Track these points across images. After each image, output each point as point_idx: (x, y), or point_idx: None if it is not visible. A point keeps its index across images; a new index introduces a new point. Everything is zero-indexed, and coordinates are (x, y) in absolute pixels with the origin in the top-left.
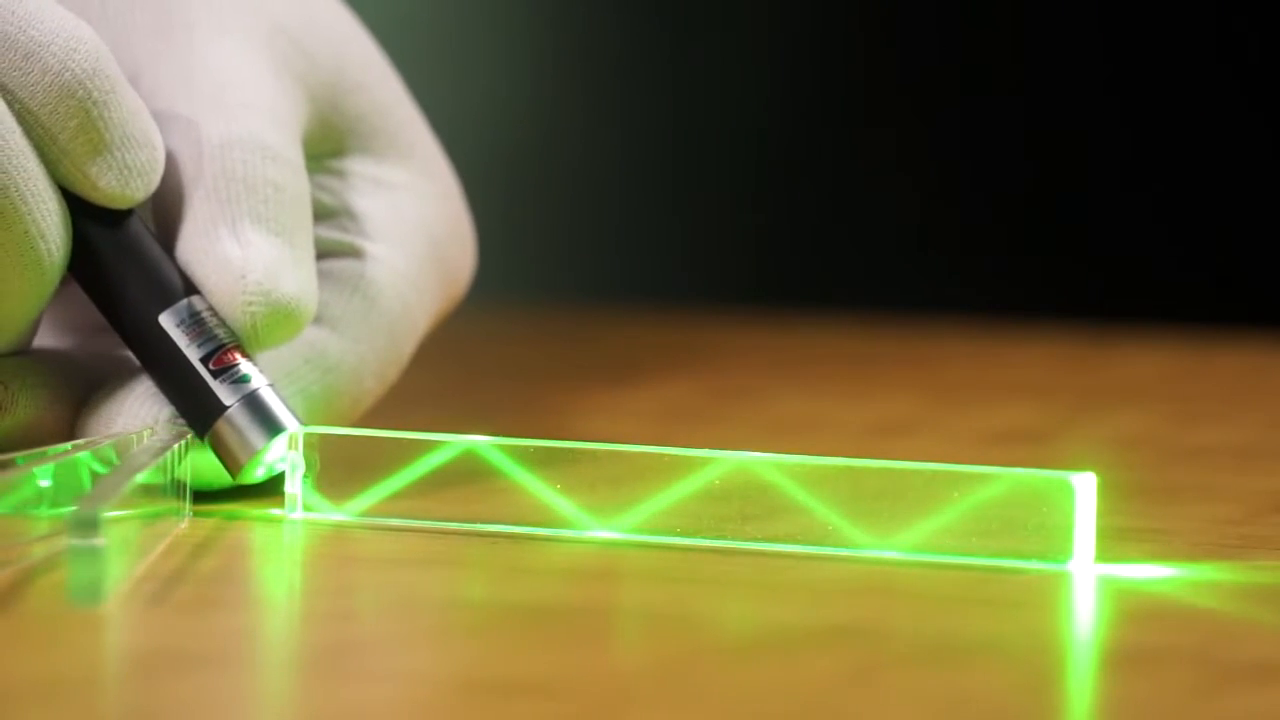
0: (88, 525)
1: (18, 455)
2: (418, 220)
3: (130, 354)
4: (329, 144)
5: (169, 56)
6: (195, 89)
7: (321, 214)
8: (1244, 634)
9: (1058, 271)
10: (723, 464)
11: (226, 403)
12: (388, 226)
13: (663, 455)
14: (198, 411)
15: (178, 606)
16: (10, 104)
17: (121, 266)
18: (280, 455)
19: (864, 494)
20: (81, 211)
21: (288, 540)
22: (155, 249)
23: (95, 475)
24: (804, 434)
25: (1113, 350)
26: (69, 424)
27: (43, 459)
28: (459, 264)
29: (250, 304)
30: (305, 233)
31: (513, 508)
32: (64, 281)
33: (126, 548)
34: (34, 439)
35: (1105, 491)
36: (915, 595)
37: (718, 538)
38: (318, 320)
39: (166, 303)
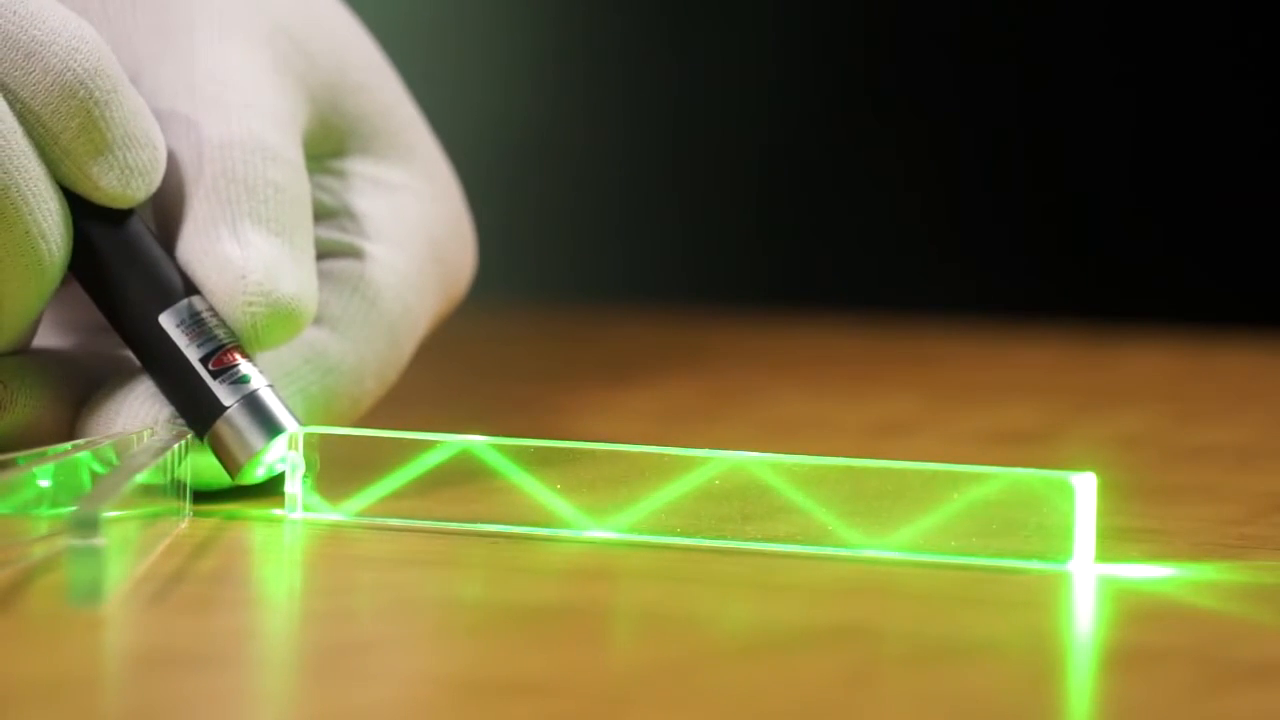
0: (88, 525)
1: (18, 455)
2: (418, 221)
3: (130, 354)
4: (329, 144)
5: (170, 56)
6: (196, 89)
7: (322, 214)
8: (1244, 634)
9: (1058, 271)
10: (723, 464)
11: (226, 403)
12: (388, 227)
13: (662, 455)
14: (197, 412)
15: (178, 606)
16: (12, 104)
17: (122, 266)
18: (280, 456)
19: (864, 494)
20: (82, 211)
21: (288, 540)
22: (156, 249)
23: (95, 475)
24: (804, 434)
25: (1113, 350)
26: (68, 424)
27: (43, 459)
28: (459, 265)
29: (250, 304)
30: (305, 233)
31: (512, 508)
32: (64, 281)
33: (126, 548)
34: (33, 438)
35: (1105, 491)
36: (915, 595)
37: (718, 538)
38: (318, 321)
39: (167, 303)
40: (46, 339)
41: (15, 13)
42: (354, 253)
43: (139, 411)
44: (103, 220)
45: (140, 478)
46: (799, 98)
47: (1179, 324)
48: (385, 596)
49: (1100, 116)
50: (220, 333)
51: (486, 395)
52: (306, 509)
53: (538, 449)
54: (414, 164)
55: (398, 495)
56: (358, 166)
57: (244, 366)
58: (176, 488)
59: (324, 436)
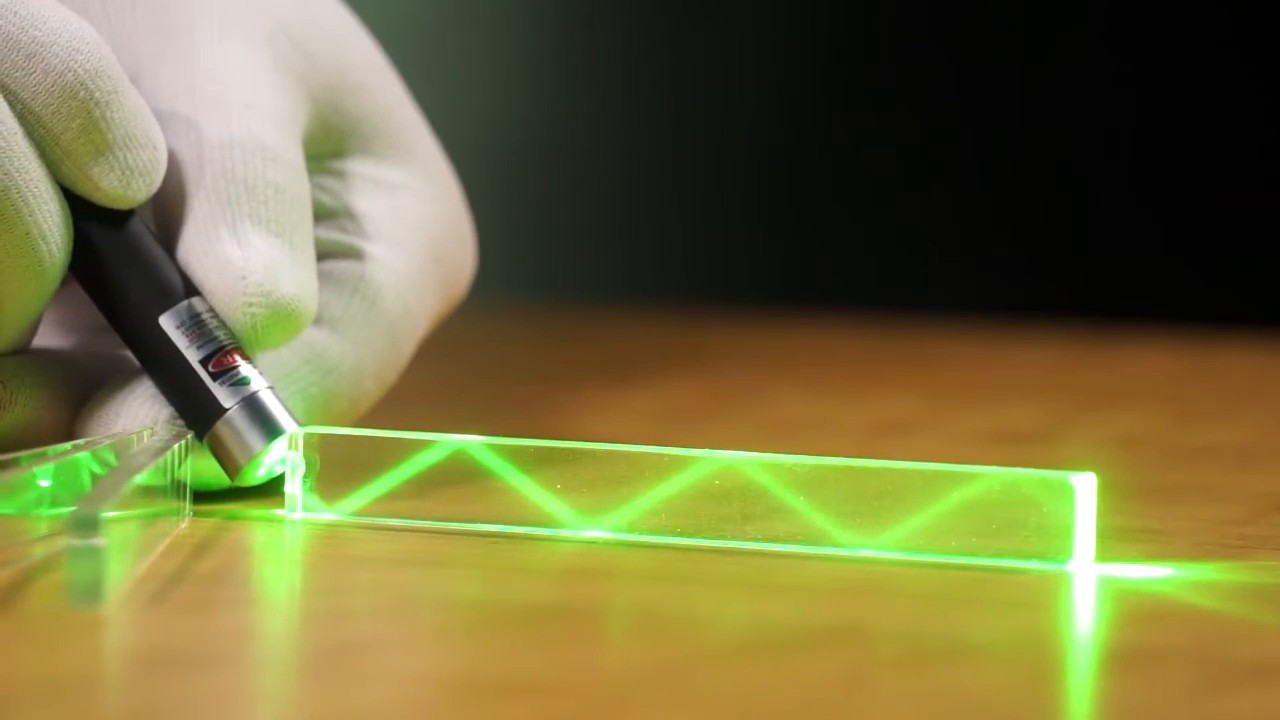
0: (88, 525)
1: (18, 455)
2: (418, 221)
3: (130, 354)
4: (329, 145)
5: (170, 57)
6: (196, 89)
7: (322, 215)
8: (1244, 634)
9: (1058, 271)
10: (722, 464)
11: (226, 405)
12: (388, 228)
13: (662, 455)
14: (197, 413)
15: (178, 606)
16: (12, 104)
17: (122, 267)
18: (279, 457)
19: (864, 494)
20: (83, 212)
21: (288, 540)
22: (156, 250)
23: (95, 476)
24: (804, 434)
25: (1113, 350)
26: (68, 424)
27: (43, 459)
28: (459, 265)
29: (250, 305)
30: (305, 234)
31: (512, 508)
32: (65, 281)
33: (126, 548)
34: (33, 438)
35: (1105, 491)
36: (914, 595)
37: (717, 538)
38: (317, 321)
39: (167, 304)
40: (46, 339)
41: (16, 13)
42: (354, 253)
43: (139, 412)
44: (103, 221)
45: (140, 478)
46: (799, 98)
47: (1179, 324)
48: (384, 596)
49: (1100, 116)
50: (220, 334)
51: (486, 395)
52: (306, 509)
53: (538, 449)
54: (414, 164)
55: (397, 495)
56: (358, 167)
57: (244, 368)
58: (176, 488)
59: (324, 437)
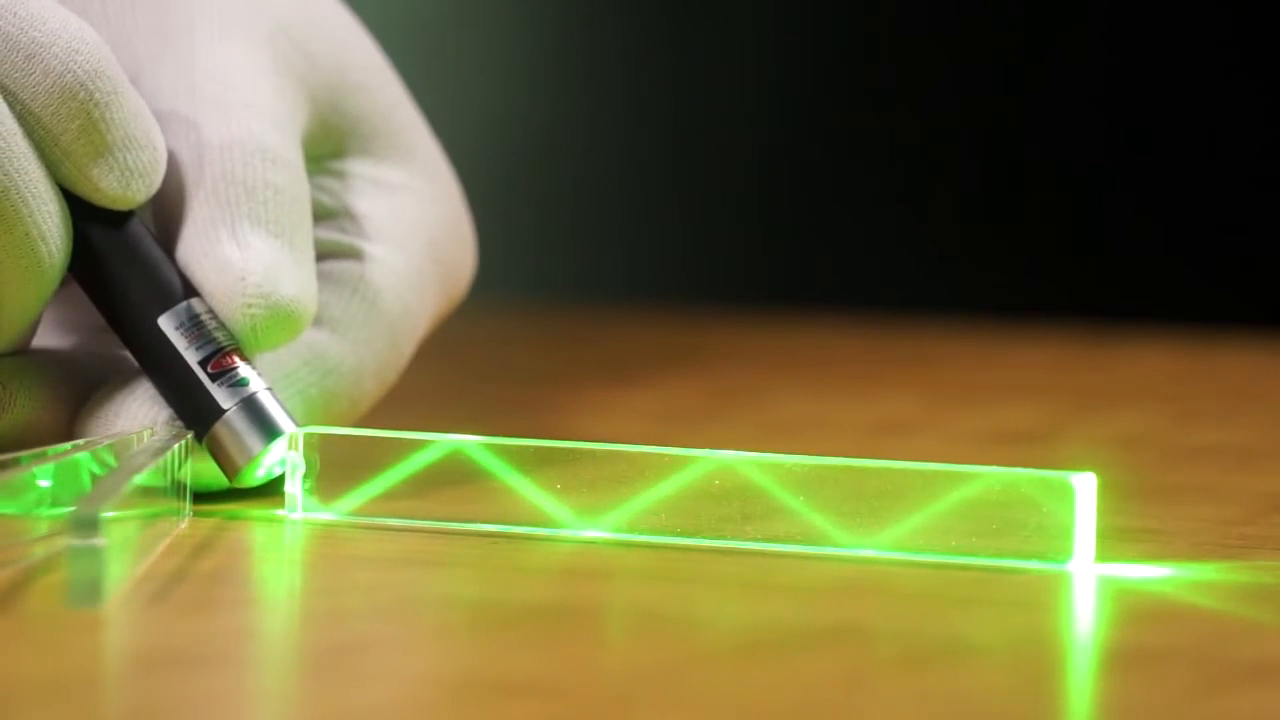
0: (88, 525)
1: (19, 455)
2: (418, 221)
3: (130, 355)
4: (329, 145)
5: (170, 57)
6: (196, 90)
7: (321, 215)
8: (1244, 634)
9: (1058, 271)
10: (722, 464)
11: (224, 406)
12: (388, 228)
13: (662, 455)
14: (196, 414)
15: (178, 606)
16: (12, 105)
17: (122, 268)
18: (278, 458)
19: (864, 494)
20: (82, 213)
21: (288, 540)
22: (156, 251)
23: (95, 476)
24: (804, 434)
25: (1113, 350)
26: (67, 424)
27: (43, 459)
28: (459, 265)
29: (249, 306)
30: (305, 235)
31: (512, 508)
32: (64, 282)
33: (126, 548)
34: (32, 439)
35: (1105, 491)
36: (914, 595)
37: (717, 538)
38: (317, 322)
39: (166, 305)
40: (46, 339)
41: (15, 14)
42: (354, 254)
43: (138, 413)
44: (103, 222)
45: (140, 478)
46: (799, 98)
47: (1179, 324)
48: (384, 596)
49: (1100, 116)
50: (219, 335)
51: (486, 395)
52: (306, 509)
53: (537, 449)
54: (414, 164)
55: (397, 496)
56: (357, 167)
57: (243, 369)
58: (176, 488)
59: (323, 437)
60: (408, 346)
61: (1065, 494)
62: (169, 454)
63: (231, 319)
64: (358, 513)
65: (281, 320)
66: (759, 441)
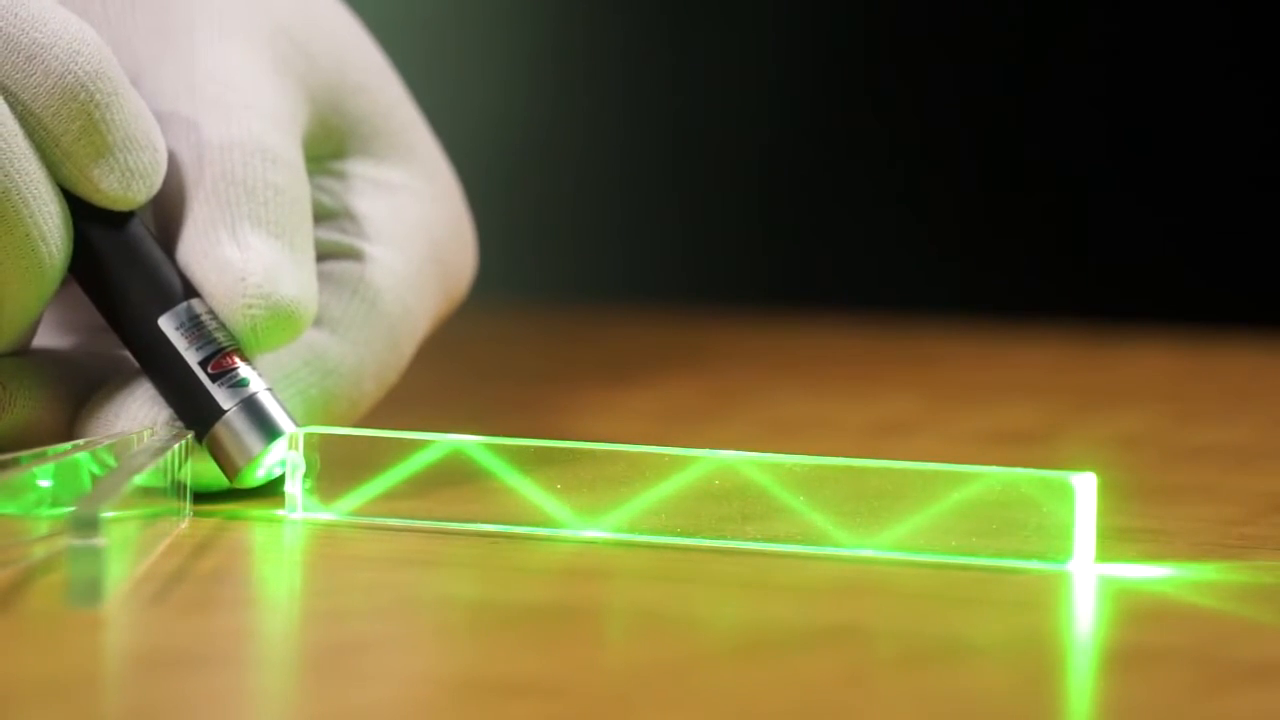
0: (88, 525)
1: (19, 455)
2: (418, 222)
3: (130, 355)
4: (330, 145)
5: (170, 58)
6: (196, 91)
7: (322, 216)
8: (1244, 634)
9: (1058, 271)
10: (722, 464)
11: (224, 406)
12: (388, 228)
13: (662, 455)
14: (196, 415)
15: (178, 606)
16: (13, 106)
17: (122, 269)
18: (278, 459)
19: (864, 494)
20: (83, 213)
21: (288, 540)
22: (156, 251)
23: (95, 476)
24: (804, 434)
25: (1113, 350)
26: (67, 425)
27: (43, 459)
28: (459, 266)
29: (250, 307)
30: (305, 235)
31: (512, 508)
32: (64, 282)
33: (126, 548)
34: (32, 439)
35: (1105, 491)
36: (914, 595)
37: (717, 538)
38: (317, 323)
39: (166, 305)
40: (46, 340)
41: (16, 15)
42: (354, 254)
43: (138, 413)
44: (103, 222)
45: (140, 478)
46: (799, 98)
47: (1179, 324)
48: (384, 596)
49: (1100, 116)
50: (220, 336)
51: (486, 395)
52: (306, 509)
53: (537, 449)
54: (414, 165)
55: (397, 496)
56: (358, 168)
57: (243, 370)
58: (176, 488)
59: (323, 437)
60: (408, 347)
61: (1065, 494)
62: (169, 454)
63: (232, 319)
64: (358, 513)
65: (282, 321)
66: (759, 441)
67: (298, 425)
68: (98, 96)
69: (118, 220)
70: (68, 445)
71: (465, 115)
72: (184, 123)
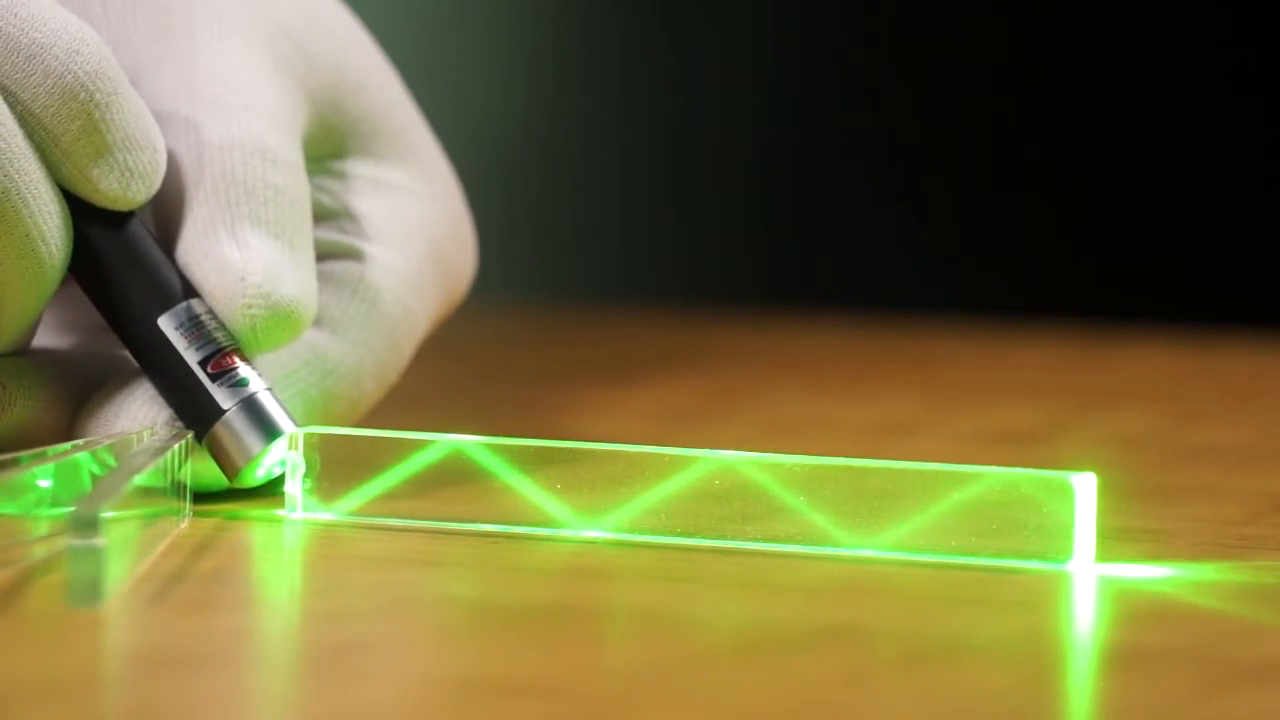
0: (88, 525)
1: (19, 455)
2: (418, 222)
3: (129, 355)
4: (330, 146)
5: (170, 58)
6: (196, 91)
7: (322, 216)
8: (1244, 634)
9: (1058, 271)
10: (722, 464)
11: (224, 406)
12: (388, 228)
13: (662, 455)
14: (195, 415)
15: (178, 606)
16: (12, 106)
17: (122, 269)
18: (278, 459)
19: (864, 494)
20: (82, 213)
21: (287, 540)
22: (155, 251)
23: (95, 476)
24: (804, 434)
25: (1113, 350)
26: (67, 425)
27: (43, 459)
28: (459, 266)
29: (249, 307)
30: (305, 235)
31: (512, 508)
32: (64, 282)
33: (126, 548)
34: (32, 439)
35: (1105, 491)
36: (914, 595)
37: (717, 538)
38: (317, 323)
39: (166, 305)
40: (46, 340)
41: (16, 15)
42: (354, 254)
43: (138, 413)
44: (102, 222)
45: (140, 478)
46: (799, 98)
47: (1179, 324)
48: (384, 596)
49: (1100, 116)
50: (219, 335)
51: (486, 395)
52: (306, 509)
53: (537, 449)
54: (414, 165)
55: (397, 496)
56: (358, 168)
57: (243, 370)
58: (176, 488)
59: (323, 437)
60: (408, 347)
61: (1065, 494)
62: (169, 454)
63: (231, 319)
64: (358, 513)
65: (281, 321)
66: (759, 441)
67: (297, 425)
68: (97, 96)
69: (117, 220)
70: (68, 445)
71: (465, 115)
72: (184, 123)
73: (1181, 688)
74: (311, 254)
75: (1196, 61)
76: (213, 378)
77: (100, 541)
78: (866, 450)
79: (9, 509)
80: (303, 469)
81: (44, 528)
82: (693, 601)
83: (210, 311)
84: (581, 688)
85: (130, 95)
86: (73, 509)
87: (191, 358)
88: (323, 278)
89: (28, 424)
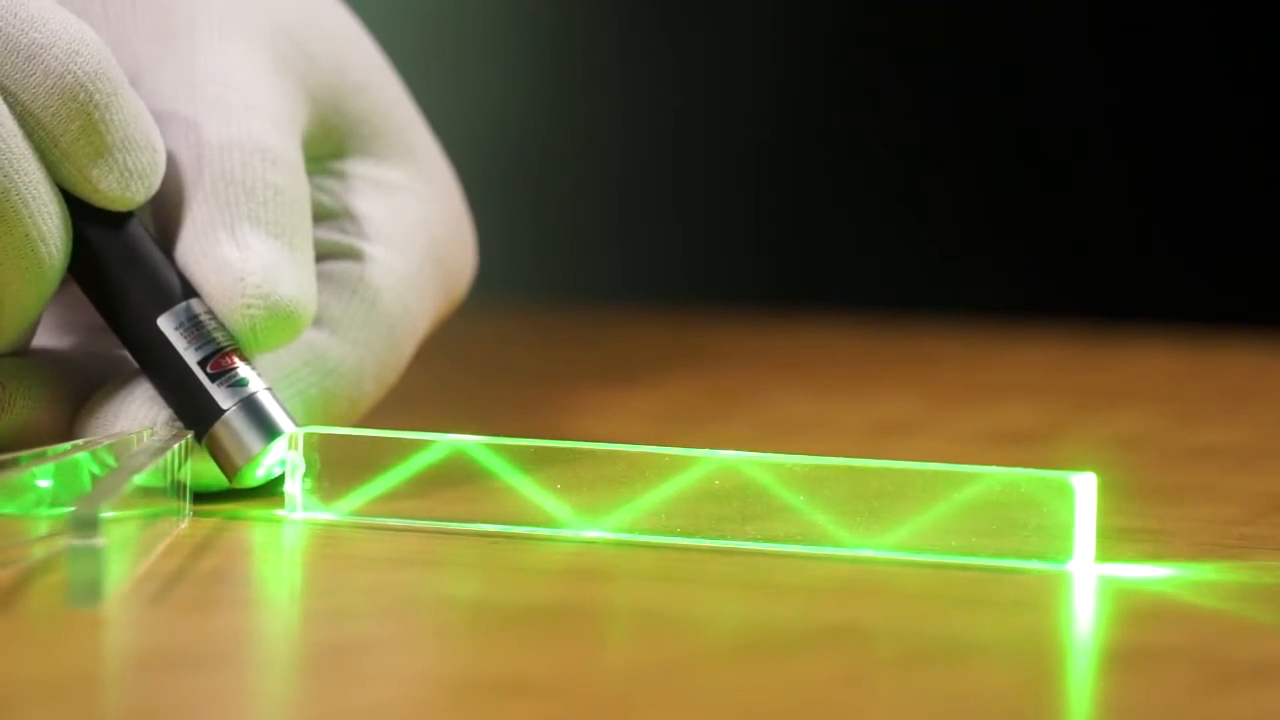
0: (88, 525)
1: (18, 455)
2: (418, 222)
3: (129, 355)
4: (329, 145)
5: (170, 58)
6: (196, 91)
7: (321, 216)
8: (1244, 634)
9: (1058, 271)
10: (722, 464)
11: (224, 406)
12: (388, 229)
13: (662, 455)
14: (195, 414)
15: (178, 606)
16: (12, 106)
17: (121, 269)
18: (278, 458)
19: (864, 494)
20: (81, 214)
21: (287, 540)
22: (155, 251)
23: (95, 476)
24: (804, 434)
25: (1113, 350)
26: (67, 425)
27: (43, 459)
28: (459, 266)
29: (248, 307)
30: (304, 235)
31: (512, 508)
32: (64, 283)
33: (126, 548)
34: (31, 440)
35: (1105, 491)
36: (914, 595)
37: (717, 538)
38: (317, 323)
39: (165, 305)
40: (45, 340)
41: (16, 15)
42: (354, 254)
43: (138, 414)
44: (102, 223)
45: (140, 478)
46: (799, 98)
47: (1179, 324)
48: (384, 597)
49: (1100, 116)
50: (219, 335)
51: (486, 395)
52: (306, 509)
53: (537, 449)
54: (414, 165)
55: (397, 496)
56: (358, 168)
57: (242, 369)
58: (176, 488)
59: (323, 437)
60: (408, 347)
61: (1065, 494)
62: (169, 454)
63: (230, 319)
64: (358, 513)
65: (281, 321)
66: (759, 441)
67: (297, 425)
68: (97, 97)
69: (116, 220)
70: (67, 445)
71: (464, 115)
72: (184, 123)
73: (1181, 688)
74: (311, 254)
75: (1196, 61)
76: (212, 377)
77: (100, 541)
78: (866, 450)
79: (9, 509)
80: (302, 469)
81: (44, 528)
82: (693, 601)
83: (210, 311)
84: (581, 688)
85: (130, 96)
86: (73, 509)
87: (191, 358)
88: (322, 278)
89: (27, 424)
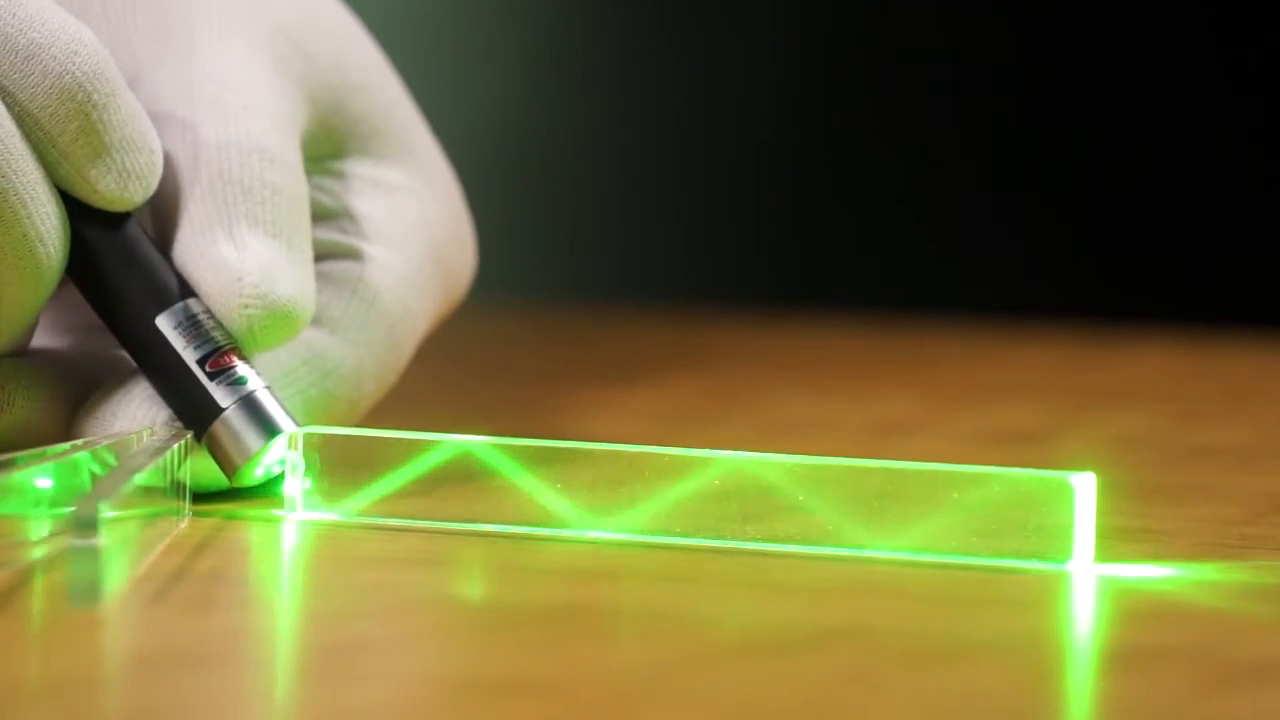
0: (88, 525)
1: (18, 455)
2: (418, 222)
3: (127, 355)
4: (329, 145)
5: (169, 58)
6: (195, 91)
7: (321, 216)
8: (1244, 634)
9: (1058, 271)
10: (723, 464)
11: (222, 405)
12: (387, 228)
13: (662, 455)
14: (194, 414)
15: (178, 606)
16: (10, 106)
17: (119, 269)
18: (277, 457)
19: (864, 494)
20: (80, 214)
21: (287, 540)
22: (153, 251)
23: (94, 476)
24: (804, 434)
25: (1113, 350)
26: (66, 425)
27: (42, 459)
28: (459, 266)
29: (247, 306)
30: (303, 235)
31: (512, 508)
32: (62, 283)
33: (126, 548)
34: (30, 440)
35: (1105, 491)
36: (915, 595)
37: (718, 538)
38: (316, 323)
39: (163, 305)
40: (44, 340)
41: (14, 15)
42: (353, 254)
43: (136, 414)
44: (100, 223)
45: (139, 478)
46: (799, 98)
47: (1179, 324)
48: (385, 596)
49: (1100, 116)
50: (217, 335)
51: (486, 395)
52: (306, 509)
53: (538, 449)
54: (413, 165)
55: (397, 495)
56: (357, 168)
57: (241, 368)
58: (176, 488)
59: (324, 437)
60: (407, 347)
61: (1065, 494)
62: (168, 454)
63: (229, 319)
64: (358, 513)
65: (279, 320)
66: (759, 441)
67: (296, 423)
68: (95, 97)
69: (115, 221)
70: (67, 445)
71: (464, 115)
72: (182, 123)
73: (1181, 687)
74: (309, 254)
75: (1196, 61)
76: (211, 376)
77: (100, 541)
78: (866, 450)
79: (9, 509)
80: (302, 468)
81: (44, 528)
82: (695, 601)
83: (208, 311)
84: (583, 688)
85: (128, 96)
86: (73, 509)
87: (189, 357)
88: (322, 278)
89: (26, 424)
